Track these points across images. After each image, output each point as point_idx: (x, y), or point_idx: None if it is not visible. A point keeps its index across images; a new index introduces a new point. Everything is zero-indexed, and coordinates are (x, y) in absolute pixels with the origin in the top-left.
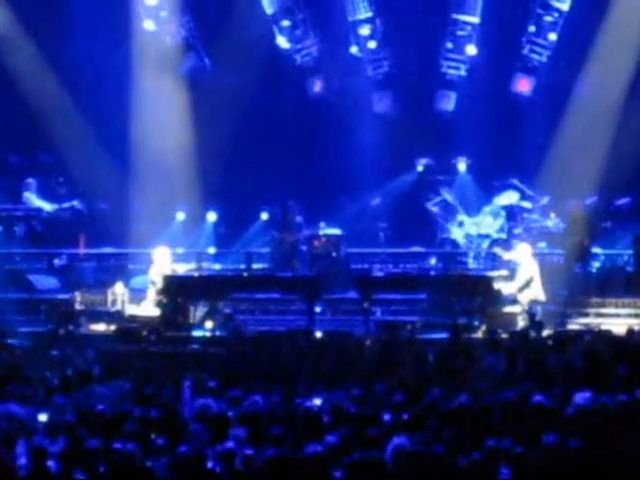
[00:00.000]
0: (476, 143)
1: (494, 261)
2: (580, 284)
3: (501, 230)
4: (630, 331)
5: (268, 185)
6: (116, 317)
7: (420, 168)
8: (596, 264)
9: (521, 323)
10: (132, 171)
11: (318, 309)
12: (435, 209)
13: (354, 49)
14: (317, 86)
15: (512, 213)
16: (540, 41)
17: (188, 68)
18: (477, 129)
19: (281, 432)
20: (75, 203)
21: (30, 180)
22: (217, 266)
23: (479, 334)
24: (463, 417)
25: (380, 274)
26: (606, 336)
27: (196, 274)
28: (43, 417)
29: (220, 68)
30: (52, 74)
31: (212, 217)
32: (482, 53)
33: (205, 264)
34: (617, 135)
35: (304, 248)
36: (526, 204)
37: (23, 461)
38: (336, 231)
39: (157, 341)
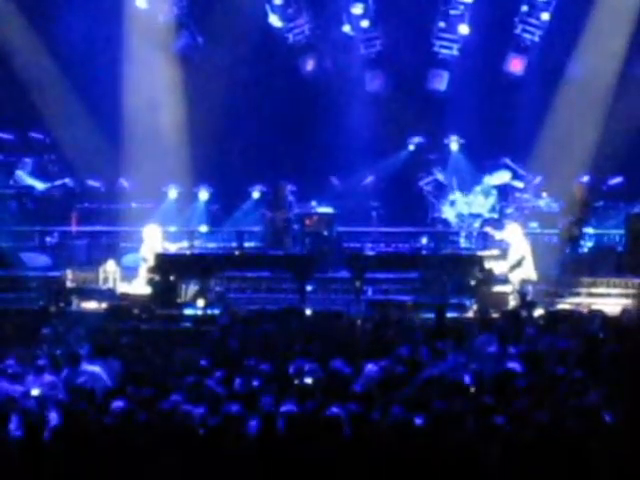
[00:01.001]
0: (468, 122)
1: (486, 240)
2: (571, 264)
3: (492, 209)
4: (624, 311)
5: (260, 163)
6: (107, 295)
7: (412, 147)
8: (588, 244)
9: (512, 302)
10: (124, 149)
11: (309, 288)
12: (427, 188)
13: (347, 28)
14: (309, 65)
15: (504, 192)
16: (533, 21)
17: (180, 46)
18: (469, 108)
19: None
20: (67, 181)
21: (27, 160)
22: (209, 244)
23: (470, 313)
24: (455, 396)
25: (372, 253)
26: (597, 315)
27: (188, 252)
28: (35, 392)
29: (212, 46)
30: (44, 52)
31: (204, 195)
32: (475, 32)
33: (196, 242)
34: (609, 115)
35: (296, 227)
36: (518, 183)
37: (16, 436)
38: (328, 210)
39: (148, 319)
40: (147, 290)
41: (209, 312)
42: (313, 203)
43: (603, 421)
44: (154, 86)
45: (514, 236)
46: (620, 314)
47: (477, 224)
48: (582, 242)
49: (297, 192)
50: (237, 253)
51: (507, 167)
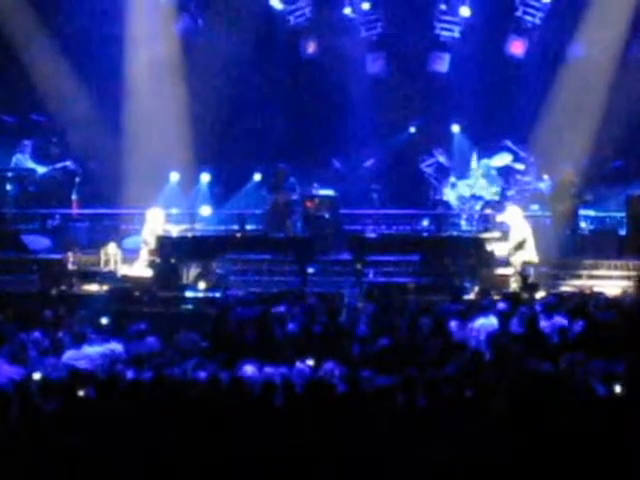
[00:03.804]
0: (469, 105)
1: (487, 223)
2: (572, 246)
3: (494, 192)
4: (624, 293)
5: (261, 146)
6: (109, 277)
7: (413, 129)
8: (589, 226)
9: (514, 285)
10: (125, 131)
11: (311, 270)
12: (428, 170)
13: (348, 10)
14: (310, 47)
15: (505, 175)
16: (534, 3)
17: (181, 29)
18: (470, 91)
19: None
20: (68, 163)
21: (26, 142)
22: (210, 227)
23: (472, 296)
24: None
25: (373, 235)
26: (599, 298)
27: (189, 235)
28: (37, 376)
29: (213, 29)
30: (45, 34)
31: (206, 178)
32: (476, 15)
33: (198, 225)
34: (610, 97)
35: (297, 209)
36: (519, 166)
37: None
38: (329, 192)
39: (150, 302)
40: (148, 273)
41: (210, 295)
42: (314, 185)
43: (597, 395)
44: (155, 69)
45: (514, 218)
46: (621, 296)
47: (478, 206)
48: (579, 224)
49: (298, 174)
50: (239, 236)
51: (508, 149)
